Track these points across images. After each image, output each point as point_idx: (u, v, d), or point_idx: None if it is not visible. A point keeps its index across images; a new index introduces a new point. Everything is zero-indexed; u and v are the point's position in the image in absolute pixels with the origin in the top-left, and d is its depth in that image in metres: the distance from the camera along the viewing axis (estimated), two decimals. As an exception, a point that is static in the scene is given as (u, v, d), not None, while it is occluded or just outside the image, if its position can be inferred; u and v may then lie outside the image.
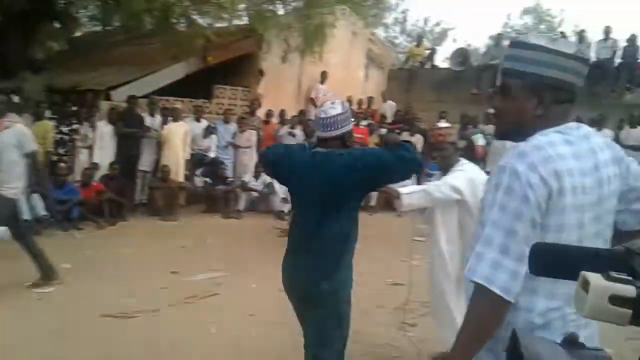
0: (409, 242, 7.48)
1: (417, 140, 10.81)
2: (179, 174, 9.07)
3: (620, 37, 11.91)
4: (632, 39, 11.65)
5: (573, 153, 1.45)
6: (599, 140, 1.54)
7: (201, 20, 10.03)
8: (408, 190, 3.45)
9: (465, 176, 3.52)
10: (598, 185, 1.48)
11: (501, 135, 1.68)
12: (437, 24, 30.18)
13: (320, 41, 11.35)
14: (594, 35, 12.47)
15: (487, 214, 1.46)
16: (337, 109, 2.59)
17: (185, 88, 10.24)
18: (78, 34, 16.61)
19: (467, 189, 3.46)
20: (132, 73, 9.87)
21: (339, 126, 2.58)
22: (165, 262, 6.06)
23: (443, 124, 3.83)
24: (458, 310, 3.53)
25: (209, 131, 9.68)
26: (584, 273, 0.99)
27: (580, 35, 12.46)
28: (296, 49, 11.30)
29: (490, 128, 11.14)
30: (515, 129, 1.57)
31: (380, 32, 23.58)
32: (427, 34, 29.73)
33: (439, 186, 3.50)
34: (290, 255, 2.74)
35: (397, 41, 30.05)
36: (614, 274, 0.97)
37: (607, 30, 11.89)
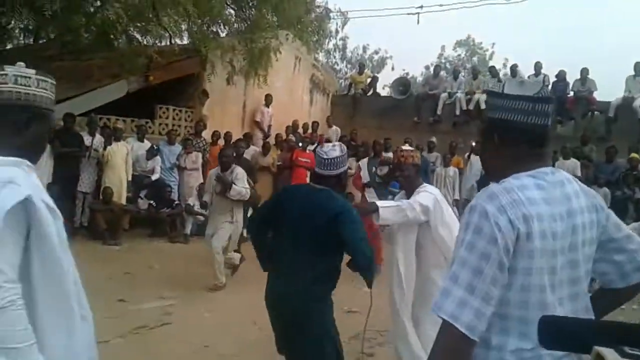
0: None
1: (363, 165, 10.93)
2: (121, 196, 8.69)
3: (550, 73, 12.63)
4: (561, 75, 12.37)
5: (544, 198, 1.46)
6: (575, 187, 1.55)
7: (143, 39, 9.74)
8: (384, 205, 3.44)
9: (432, 197, 3.55)
10: (572, 231, 1.48)
11: (486, 174, 1.78)
12: (376, 52, 31.02)
13: (264, 64, 11.34)
14: (525, 69, 13.16)
15: (455, 251, 1.47)
16: (337, 152, 2.95)
17: (126, 107, 9.88)
18: (9, 46, 15.82)
19: (434, 210, 3.49)
20: (69, 90, 9.41)
21: (338, 167, 2.92)
22: (111, 289, 5.71)
23: (407, 147, 3.90)
24: (415, 336, 3.56)
25: (153, 152, 9.37)
26: (597, 348, 0.98)
27: (513, 71, 13.11)
28: (240, 71, 11.21)
29: (433, 156, 11.49)
30: (493, 171, 1.65)
31: (322, 58, 23.94)
32: (367, 62, 30.50)
33: (411, 204, 3.50)
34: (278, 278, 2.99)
35: (337, 67, 30.61)
36: (627, 349, 0.96)
37: (538, 66, 12.58)
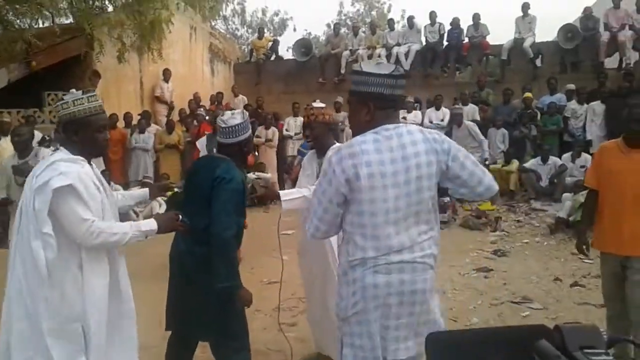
0: (278, 237, 7.53)
1: (274, 133, 10.82)
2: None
3: (445, 21, 12.92)
4: (455, 22, 12.67)
5: (376, 148, 2.05)
6: (415, 137, 2.10)
7: (20, 23, 8.93)
8: (289, 197, 3.38)
9: None
10: (405, 170, 2.05)
11: (352, 134, 2.26)
12: (276, 14, 30.46)
13: (157, 37, 10.80)
14: (421, 19, 13.38)
15: (315, 185, 2.31)
16: (237, 119, 2.93)
17: (11, 97, 9.13)
18: None
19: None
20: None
21: (238, 134, 2.91)
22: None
23: (318, 103, 3.77)
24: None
25: (46, 144, 8.74)
26: None
27: (410, 22, 13.29)
28: (132, 47, 10.62)
29: (341, 116, 11.53)
30: (355, 130, 2.21)
31: (220, 26, 23.20)
32: (267, 25, 29.90)
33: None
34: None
35: (238, 33, 29.83)
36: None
37: (433, 16, 12.81)
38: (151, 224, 2.50)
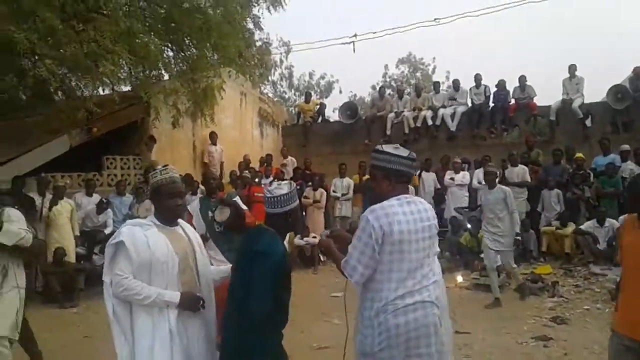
0: (328, 300, 7.45)
1: (321, 194, 10.91)
2: (70, 255, 8.35)
3: (490, 84, 12.97)
4: (501, 84, 12.72)
5: (403, 211, 2.67)
6: (426, 206, 2.82)
7: (82, 92, 9.49)
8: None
9: None
10: (422, 230, 2.70)
11: (374, 202, 2.79)
12: (322, 77, 31.30)
13: (209, 103, 11.27)
14: (466, 81, 13.49)
15: (352, 241, 2.73)
16: (284, 190, 2.96)
17: (72, 162, 9.61)
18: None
19: None
20: (9, 151, 9.09)
21: (284, 205, 2.95)
22: (72, 356, 5.42)
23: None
24: None
25: (103, 206, 9.10)
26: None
27: (455, 85, 13.42)
28: (186, 112, 11.09)
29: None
30: (378, 197, 2.76)
31: (269, 90, 24.00)
32: (314, 88, 30.74)
33: None
34: None
35: (286, 96, 30.74)
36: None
37: (478, 78, 12.91)
38: (174, 297, 2.81)
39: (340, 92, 30.47)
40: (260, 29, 13.75)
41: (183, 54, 12.22)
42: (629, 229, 3.13)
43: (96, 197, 9.29)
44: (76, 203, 9.04)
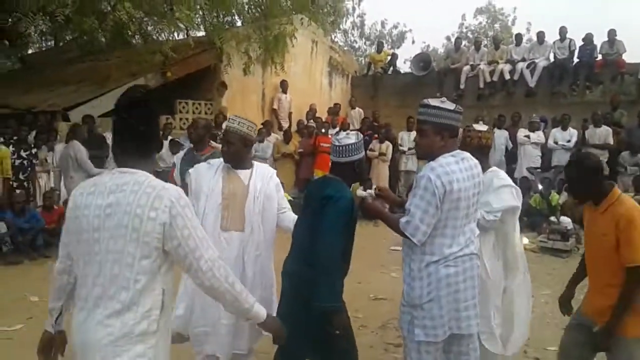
0: (387, 252, 7.46)
1: (387, 146, 10.79)
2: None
3: (576, 37, 12.14)
4: (588, 38, 11.85)
5: (459, 168, 2.65)
6: (475, 161, 2.76)
7: (158, 36, 9.71)
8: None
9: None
10: (473, 186, 2.68)
11: (421, 156, 2.98)
12: (395, 27, 30.43)
13: (280, 51, 11.25)
14: (550, 34, 12.69)
15: (411, 199, 2.66)
16: (351, 139, 2.97)
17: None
18: (30, 51, 16.08)
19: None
20: (89, 92, 9.53)
21: (351, 154, 2.95)
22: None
23: (480, 125, 3.70)
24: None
25: (177, 146, 9.39)
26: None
27: (540, 37, 12.66)
28: (257, 60, 11.14)
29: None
30: (429, 153, 2.72)
31: (340, 39, 23.64)
32: (386, 37, 29.96)
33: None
34: None
35: (356, 45, 30.19)
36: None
37: (563, 31, 12.10)
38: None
39: (413, 42, 29.69)
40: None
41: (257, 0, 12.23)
42: (586, 208, 2.98)
43: (168, 139, 9.61)
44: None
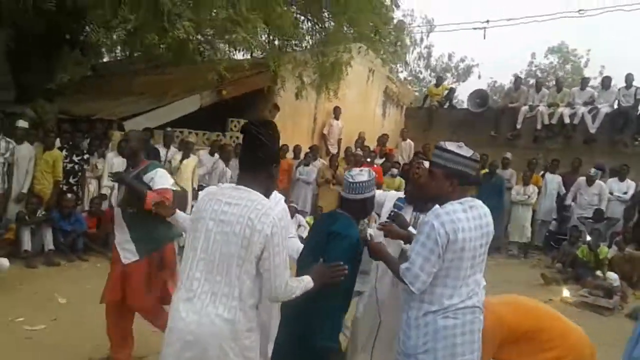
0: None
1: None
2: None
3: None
4: (656, 87, 11.38)
5: (466, 217, 2.55)
6: (486, 210, 2.65)
7: (215, 54, 10.03)
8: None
9: None
10: (480, 237, 2.58)
11: (421, 200, 3.17)
12: (462, 60, 30.18)
13: (335, 78, 11.35)
14: (621, 80, 12.20)
15: (413, 246, 2.60)
16: (364, 177, 2.96)
17: (199, 121, 10.25)
18: (106, 59, 16.97)
19: None
20: (147, 104, 9.92)
21: (363, 191, 2.94)
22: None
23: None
24: None
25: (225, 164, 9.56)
26: None
27: (605, 82, 12.23)
28: (311, 85, 11.28)
29: (508, 173, 10.93)
30: (435, 197, 2.66)
31: (401, 69, 23.63)
32: (452, 70, 29.73)
33: None
34: None
35: (421, 76, 30.09)
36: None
37: (629, 78, 11.63)
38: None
39: (479, 77, 29.17)
40: (397, 5, 13.58)
41: (319, 26, 12.45)
42: None
43: (216, 157, 9.84)
44: (199, 160, 9.66)
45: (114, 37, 11.27)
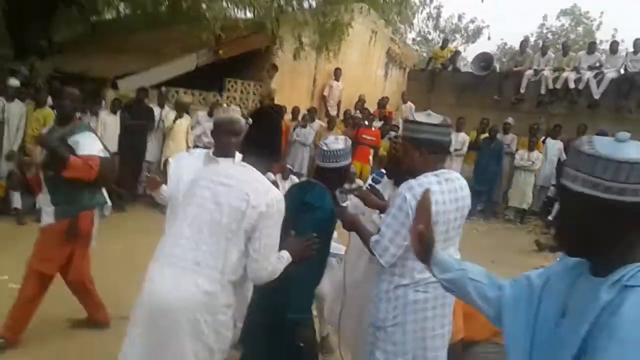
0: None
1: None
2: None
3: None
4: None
5: (440, 190, 2.44)
6: (462, 183, 2.57)
7: (213, 12, 9.76)
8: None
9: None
10: (455, 210, 2.50)
11: (399, 175, 2.92)
12: (472, 21, 29.55)
13: (336, 39, 11.10)
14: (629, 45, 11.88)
15: (385, 218, 2.52)
16: (340, 145, 2.86)
17: (196, 80, 10.11)
18: (108, 16, 16.66)
19: None
20: (142, 62, 9.76)
21: (338, 160, 2.85)
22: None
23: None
24: None
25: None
26: None
27: (613, 47, 11.92)
28: (311, 46, 11.05)
29: (508, 138, 10.77)
30: (409, 169, 2.55)
31: (409, 30, 23.13)
32: (461, 31, 29.12)
33: None
34: None
35: (430, 37, 29.55)
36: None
37: (638, 44, 11.29)
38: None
39: (489, 38, 28.61)
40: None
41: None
42: None
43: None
44: (197, 120, 9.57)
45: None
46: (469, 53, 17.52)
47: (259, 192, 2.25)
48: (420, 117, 2.55)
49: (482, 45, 27.13)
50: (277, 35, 10.48)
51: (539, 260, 7.64)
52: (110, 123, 8.52)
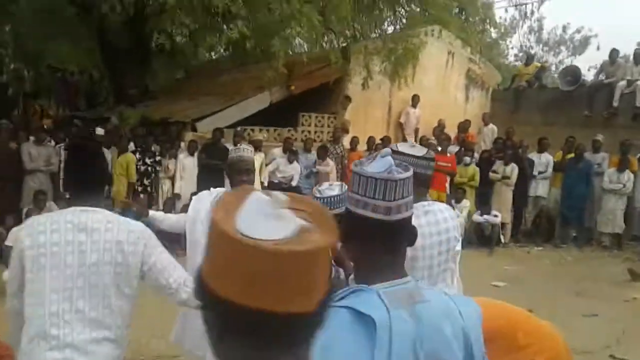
0: (486, 287, 6.94)
1: (512, 169, 9.97)
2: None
3: None
4: None
5: (418, 223, 1.98)
6: (446, 215, 2.46)
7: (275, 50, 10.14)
8: None
9: None
10: (438, 244, 2.38)
11: None
12: (578, 31, 27.95)
13: (411, 65, 10.99)
14: None
15: None
16: (335, 191, 2.76)
17: (271, 117, 10.44)
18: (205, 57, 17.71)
19: None
20: (219, 103, 10.28)
21: (333, 207, 2.70)
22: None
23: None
24: None
25: (293, 157, 9.66)
26: None
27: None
28: (383, 73, 11.04)
29: (599, 157, 10.04)
30: None
31: (507, 46, 22.05)
32: (567, 43, 27.72)
33: None
34: None
35: (532, 51, 28.36)
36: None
37: None
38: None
39: (598, 48, 26.52)
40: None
41: (395, 12, 12.17)
42: None
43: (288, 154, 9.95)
44: (272, 157, 9.84)
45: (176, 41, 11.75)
46: (580, 65, 16.33)
47: (127, 234, 2.08)
48: (404, 147, 2.47)
49: (592, 57, 25.41)
50: (347, 66, 10.60)
51: (631, 292, 7.00)
52: (188, 164, 9.02)
